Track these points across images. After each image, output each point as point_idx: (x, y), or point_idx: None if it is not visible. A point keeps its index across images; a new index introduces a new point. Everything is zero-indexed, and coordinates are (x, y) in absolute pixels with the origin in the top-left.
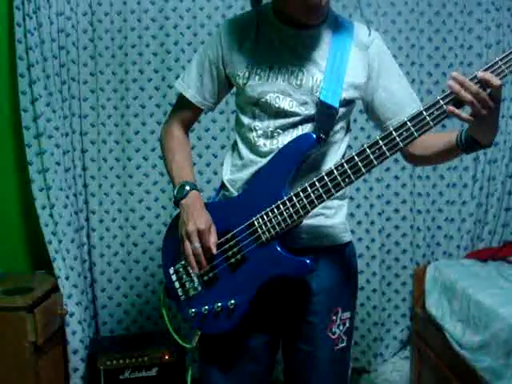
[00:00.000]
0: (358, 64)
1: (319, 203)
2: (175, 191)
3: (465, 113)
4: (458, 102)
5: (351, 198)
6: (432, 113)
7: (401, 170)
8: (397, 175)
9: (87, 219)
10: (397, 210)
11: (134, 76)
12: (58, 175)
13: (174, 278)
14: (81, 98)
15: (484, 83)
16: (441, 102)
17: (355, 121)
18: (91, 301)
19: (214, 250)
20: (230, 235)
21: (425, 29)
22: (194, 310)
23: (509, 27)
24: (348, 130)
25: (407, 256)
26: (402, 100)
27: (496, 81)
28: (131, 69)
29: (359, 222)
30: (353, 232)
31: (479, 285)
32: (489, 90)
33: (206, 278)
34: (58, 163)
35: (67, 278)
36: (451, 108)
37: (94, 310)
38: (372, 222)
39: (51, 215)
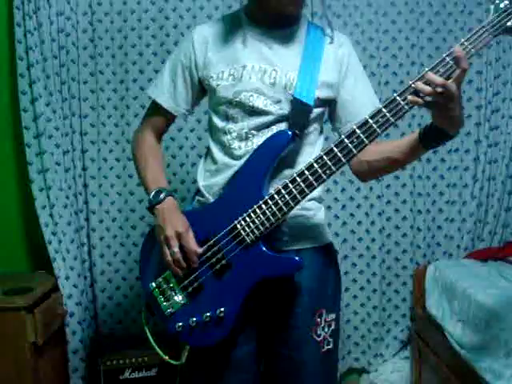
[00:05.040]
0: (331, 63)
1: (302, 198)
2: (151, 196)
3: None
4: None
5: (351, 199)
6: (391, 109)
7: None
8: (397, 175)
9: (87, 219)
10: (397, 210)
11: (134, 76)
12: (57, 175)
13: (156, 293)
14: (81, 98)
15: (455, 61)
16: (398, 98)
17: None
18: (91, 301)
19: (199, 250)
20: (212, 242)
21: (425, 29)
22: (180, 323)
23: None
24: (322, 132)
25: (407, 256)
26: (363, 105)
27: (465, 62)
28: (131, 69)
29: (359, 222)
30: (353, 232)
31: (479, 285)
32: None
33: (190, 289)
34: (57, 163)
35: (67, 278)
36: (411, 97)
37: (93, 310)
38: (372, 222)
39: (51, 215)
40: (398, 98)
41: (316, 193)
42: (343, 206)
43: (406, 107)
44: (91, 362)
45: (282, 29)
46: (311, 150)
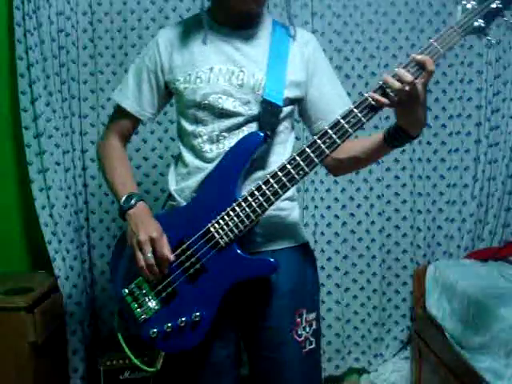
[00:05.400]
0: (297, 62)
1: (276, 199)
2: (122, 202)
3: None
4: (385, 94)
5: (351, 199)
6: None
7: (401, 169)
8: (397, 175)
9: (87, 219)
10: (397, 210)
11: None
12: (57, 175)
13: (129, 299)
14: (81, 98)
15: (421, 64)
16: (369, 98)
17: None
18: (91, 301)
19: (171, 257)
20: (185, 246)
21: (425, 29)
22: (155, 329)
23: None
24: (292, 129)
25: (407, 256)
26: (333, 101)
27: (431, 65)
28: None
29: (359, 222)
30: (353, 232)
31: (479, 285)
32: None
33: (163, 294)
34: (57, 163)
35: (67, 278)
36: (373, 94)
37: (93, 309)
38: (372, 222)
39: (51, 215)
40: (369, 98)
41: (289, 192)
42: (343, 206)
43: (377, 106)
44: (91, 362)
45: (246, 29)
46: (282, 150)
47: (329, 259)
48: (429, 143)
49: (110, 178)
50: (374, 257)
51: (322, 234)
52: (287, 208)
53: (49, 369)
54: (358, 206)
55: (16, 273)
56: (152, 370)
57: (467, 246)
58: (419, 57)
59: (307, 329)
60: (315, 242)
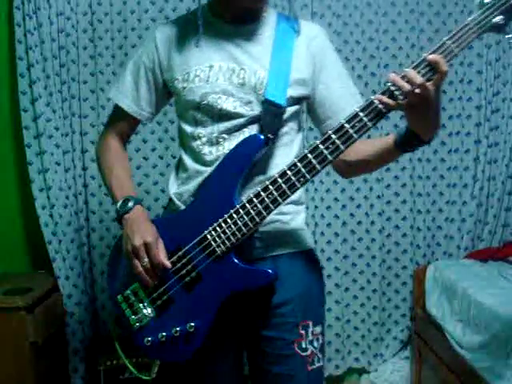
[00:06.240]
0: (303, 58)
1: (275, 207)
2: (118, 206)
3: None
4: (393, 96)
5: (351, 199)
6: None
7: (401, 170)
8: (397, 175)
9: (87, 219)
10: (397, 210)
11: None
12: (57, 175)
13: (124, 305)
14: (81, 98)
15: (433, 65)
16: (376, 101)
17: None
18: (91, 301)
19: (167, 263)
20: (181, 252)
21: (425, 29)
22: (149, 338)
23: (509, 27)
24: (300, 130)
25: (407, 256)
26: (343, 99)
27: (443, 66)
28: None
29: (359, 222)
30: (353, 232)
31: (479, 285)
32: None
33: (159, 302)
34: (57, 163)
35: (67, 278)
36: (380, 96)
37: (93, 310)
38: (372, 222)
39: (51, 215)
40: (376, 101)
41: (295, 195)
42: (343, 206)
43: (384, 110)
44: (91, 362)
45: (248, 24)
46: (288, 152)
47: (329, 259)
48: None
49: (108, 181)
50: (373, 257)
51: (322, 234)
52: (291, 212)
53: (49, 369)
54: (358, 206)
55: (16, 273)
56: (148, 378)
57: (467, 246)
58: (431, 56)
59: (315, 343)
60: (315, 242)
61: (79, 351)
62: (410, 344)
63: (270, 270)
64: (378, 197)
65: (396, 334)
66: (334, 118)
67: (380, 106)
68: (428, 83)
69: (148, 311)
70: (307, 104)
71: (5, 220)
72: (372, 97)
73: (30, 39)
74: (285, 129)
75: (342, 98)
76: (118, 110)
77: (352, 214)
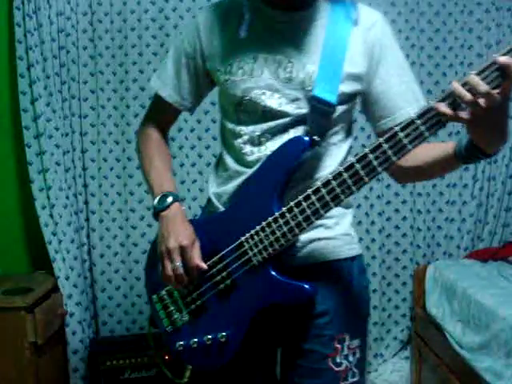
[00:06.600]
0: (359, 50)
1: (316, 219)
2: (155, 202)
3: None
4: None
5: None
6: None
7: None
8: None
9: (87, 219)
10: (397, 210)
11: (134, 76)
12: (58, 175)
13: (158, 306)
14: (81, 97)
15: (505, 69)
16: (434, 108)
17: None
18: (91, 301)
19: (204, 266)
20: (217, 257)
21: (425, 29)
22: (181, 342)
23: (509, 27)
24: (350, 133)
25: (407, 256)
26: (400, 97)
27: None
28: (131, 69)
29: (359, 222)
30: None
31: (479, 285)
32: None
33: (193, 306)
34: (57, 163)
35: (67, 278)
36: (438, 105)
37: (94, 310)
38: (372, 222)
39: (51, 215)
40: (433, 108)
41: None
42: None
43: (444, 119)
44: (91, 362)
45: (298, 11)
46: (335, 154)
47: None
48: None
49: (147, 173)
50: (373, 257)
51: None
52: (336, 215)
53: (49, 369)
54: (358, 206)
55: (16, 273)
56: (180, 381)
57: (467, 246)
58: (503, 59)
59: (350, 358)
60: None
61: (79, 351)
62: (410, 344)
63: (307, 286)
64: (378, 197)
65: (396, 334)
66: (390, 118)
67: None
68: (494, 91)
69: (181, 315)
70: (361, 100)
71: (5, 220)
72: (432, 102)
73: (29, 39)
74: (334, 129)
75: (401, 95)
76: (158, 98)
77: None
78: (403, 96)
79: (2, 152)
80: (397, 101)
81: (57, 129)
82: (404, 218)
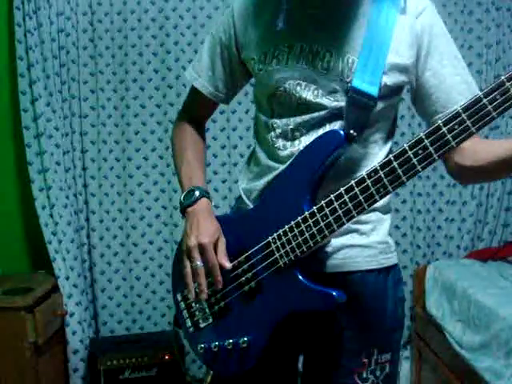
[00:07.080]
0: (405, 40)
1: (348, 220)
2: (182, 197)
3: None
4: None
5: None
6: (494, 98)
7: None
8: None
9: (87, 219)
10: (397, 210)
11: (134, 76)
12: (58, 175)
13: (182, 305)
14: (81, 97)
15: None
16: (484, 99)
17: None
18: (91, 301)
19: (226, 263)
20: (243, 257)
21: None
22: (202, 345)
23: (509, 27)
24: (391, 134)
25: (407, 256)
26: (454, 89)
27: None
28: (131, 69)
29: None
30: None
31: (479, 285)
32: None
33: (216, 307)
34: (57, 163)
35: (67, 278)
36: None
37: (94, 310)
38: None
39: (51, 215)
40: (484, 99)
41: (380, 202)
42: None
43: (494, 113)
44: (91, 362)
45: None
46: (375, 152)
47: None
48: None
49: (178, 168)
50: None
51: None
52: (372, 221)
53: (49, 369)
54: None
55: (16, 273)
56: None
57: (467, 246)
58: None
59: (377, 372)
60: None
61: (79, 351)
62: (410, 344)
63: (335, 293)
64: None
65: None
66: (444, 113)
67: (489, 105)
68: None
69: (205, 316)
70: (411, 94)
71: (5, 220)
72: (479, 92)
73: (29, 39)
74: (374, 127)
75: (454, 88)
76: (193, 90)
77: None
78: (457, 89)
79: (2, 152)
80: (450, 95)
81: (57, 129)
82: (404, 218)
